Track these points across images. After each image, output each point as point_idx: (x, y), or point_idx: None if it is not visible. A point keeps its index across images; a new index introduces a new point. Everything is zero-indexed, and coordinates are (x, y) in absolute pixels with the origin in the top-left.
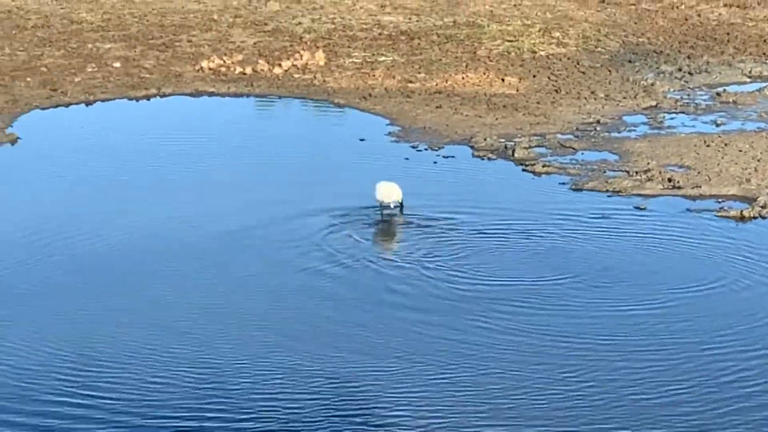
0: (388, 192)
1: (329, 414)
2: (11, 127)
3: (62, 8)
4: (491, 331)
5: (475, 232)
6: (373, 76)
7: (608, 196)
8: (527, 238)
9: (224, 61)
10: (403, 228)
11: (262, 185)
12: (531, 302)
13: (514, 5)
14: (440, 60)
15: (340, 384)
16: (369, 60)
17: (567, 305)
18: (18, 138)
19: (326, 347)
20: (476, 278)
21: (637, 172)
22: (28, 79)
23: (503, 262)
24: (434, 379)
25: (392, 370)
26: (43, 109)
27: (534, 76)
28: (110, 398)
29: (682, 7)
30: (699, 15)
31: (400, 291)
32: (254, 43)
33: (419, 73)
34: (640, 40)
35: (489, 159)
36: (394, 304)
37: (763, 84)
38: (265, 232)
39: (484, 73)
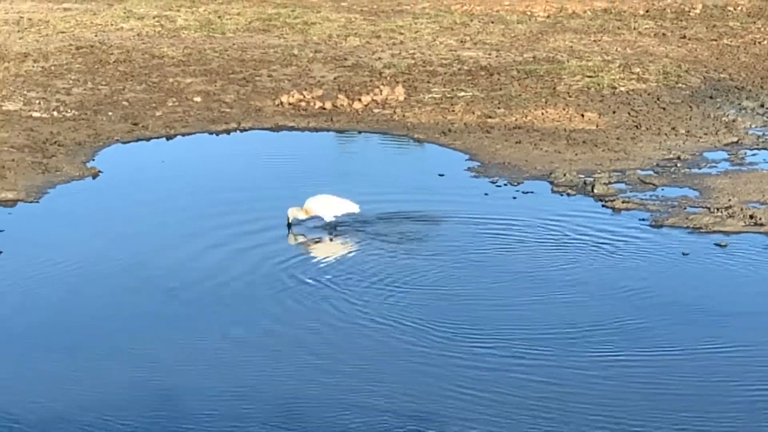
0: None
1: None
2: (93, 160)
3: (144, 43)
4: (587, 370)
5: (555, 269)
6: (453, 111)
7: (688, 233)
8: (608, 275)
9: (304, 96)
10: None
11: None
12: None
13: (594, 41)
14: (520, 95)
15: None
16: (448, 95)
17: (661, 346)
18: (99, 172)
19: None
20: (556, 317)
21: (718, 209)
22: (110, 113)
23: (586, 303)
24: None
25: None
26: (124, 143)
27: (614, 112)
28: None
29: (765, 42)
30: None
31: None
32: (334, 78)
33: (499, 108)
34: (722, 75)
35: (568, 194)
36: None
37: None
38: (360, 269)
39: (564, 109)
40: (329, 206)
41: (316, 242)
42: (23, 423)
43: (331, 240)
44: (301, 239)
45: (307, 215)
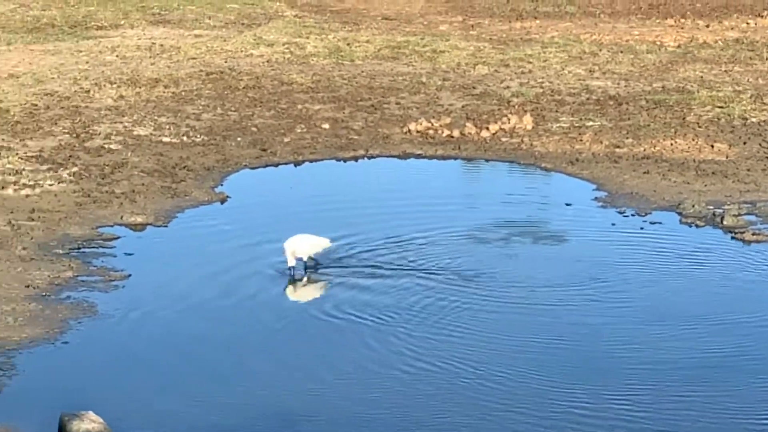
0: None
1: None
2: (221, 185)
3: (273, 70)
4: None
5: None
6: (581, 140)
7: None
8: (738, 313)
9: (432, 124)
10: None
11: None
12: None
13: (725, 71)
14: (648, 125)
15: None
16: (577, 124)
17: None
18: (228, 197)
19: None
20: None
21: None
22: (239, 138)
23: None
24: None
25: None
26: (253, 168)
27: (744, 143)
28: None
29: None
30: None
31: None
32: (462, 107)
33: (627, 138)
34: None
35: (697, 226)
36: None
37: None
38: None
39: (693, 139)
40: (303, 246)
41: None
42: None
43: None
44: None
45: (293, 256)
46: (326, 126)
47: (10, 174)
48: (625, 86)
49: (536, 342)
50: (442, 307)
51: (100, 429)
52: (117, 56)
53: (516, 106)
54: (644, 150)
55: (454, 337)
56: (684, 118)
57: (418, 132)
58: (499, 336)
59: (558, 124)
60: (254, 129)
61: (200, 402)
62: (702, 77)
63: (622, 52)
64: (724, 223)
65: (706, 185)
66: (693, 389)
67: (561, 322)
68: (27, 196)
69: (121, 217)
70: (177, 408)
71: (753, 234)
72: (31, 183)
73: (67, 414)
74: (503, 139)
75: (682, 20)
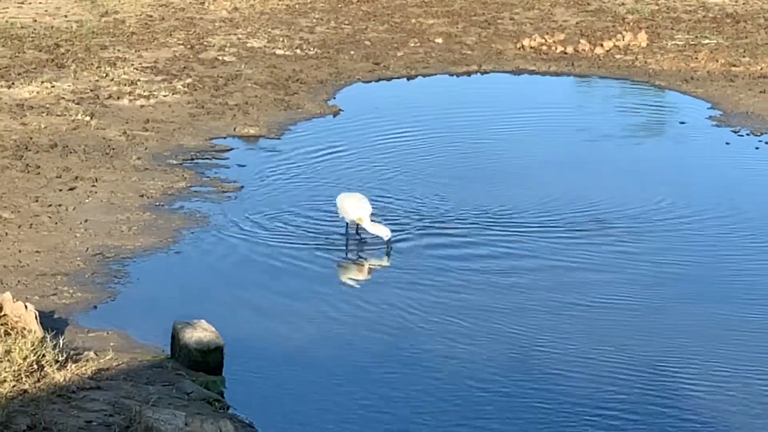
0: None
1: None
2: (334, 99)
3: None
4: None
5: None
6: (696, 58)
7: None
8: None
9: (545, 40)
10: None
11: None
12: None
13: None
14: (766, 44)
15: None
16: (692, 42)
17: None
18: (340, 110)
19: None
20: None
21: None
22: (352, 52)
23: None
24: None
25: None
26: (365, 82)
27: None
28: None
29: None
30: None
31: None
32: (576, 23)
33: (744, 56)
34: None
35: None
36: None
37: None
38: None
39: None
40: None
41: None
42: None
43: None
44: None
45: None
46: (439, 41)
47: (125, 84)
48: (743, 3)
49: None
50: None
51: (211, 338)
52: None
53: (631, 23)
54: (761, 69)
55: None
56: None
57: (531, 48)
58: None
59: (673, 42)
60: (367, 43)
61: (311, 312)
62: None
63: None
64: None
65: None
66: None
67: None
68: (142, 106)
69: (234, 129)
70: (287, 319)
71: None
72: (146, 94)
73: (179, 322)
74: (617, 56)
75: None
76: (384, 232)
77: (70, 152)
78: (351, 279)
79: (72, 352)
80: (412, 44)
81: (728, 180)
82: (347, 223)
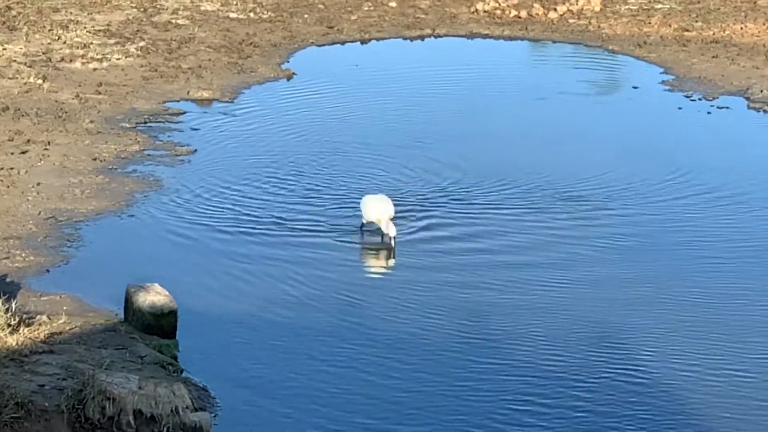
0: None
1: None
2: (287, 62)
3: None
4: None
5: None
6: (649, 23)
7: None
8: None
9: (499, 4)
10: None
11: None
12: None
13: None
14: (719, 9)
15: None
16: (645, 7)
17: None
18: (294, 74)
19: None
20: None
21: None
22: (306, 15)
23: None
24: None
25: None
26: (319, 45)
27: None
28: None
29: None
30: None
31: None
32: None
33: (696, 21)
34: None
35: (765, 111)
36: None
37: None
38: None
39: (764, 24)
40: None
41: None
42: None
43: None
44: None
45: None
46: (393, 4)
47: (78, 47)
48: None
49: None
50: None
51: (165, 301)
52: None
53: None
54: (713, 34)
55: None
56: (755, 2)
57: (485, 12)
58: None
59: (626, 6)
60: (321, 6)
61: (263, 276)
62: None
63: None
64: None
65: None
66: None
67: None
68: (94, 69)
69: (188, 92)
70: (240, 283)
71: None
72: (99, 57)
73: (133, 286)
74: (570, 21)
75: None
76: (393, 231)
77: (22, 115)
78: (304, 244)
79: (24, 316)
80: (366, 8)
81: (680, 146)
82: (363, 222)
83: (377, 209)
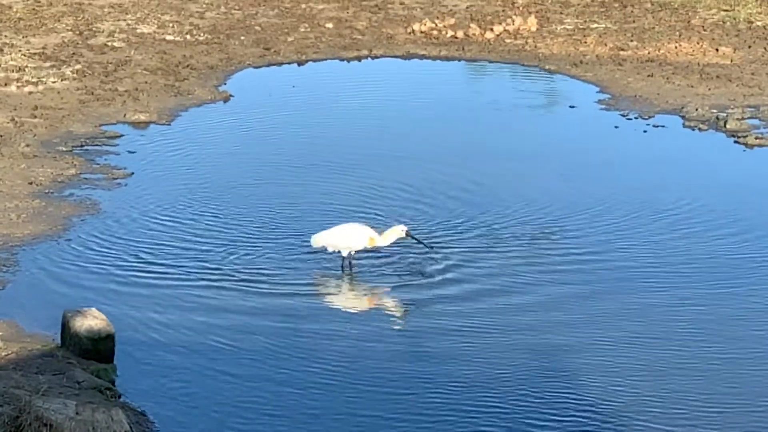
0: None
1: None
2: (224, 84)
3: None
4: None
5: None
6: (585, 43)
7: None
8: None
9: (436, 25)
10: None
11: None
12: None
13: None
14: (653, 28)
15: None
16: (581, 27)
17: None
18: (231, 96)
19: None
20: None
21: None
22: (242, 37)
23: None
24: None
25: None
26: (256, 67)
27: (749, 47)
28: None
29: None
30: None
31: None
32: (466, 7)
33: (631, 41)
34: None
35: (700, 130)
36: None
37: None
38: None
39: (698, 43)
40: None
41: None
42: None
43: None
44: None
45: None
46: (330, 25)
47: (13, 71)
48: None
49: None
50: None
51: (102, 325)
52: None
53: (520, 7)
54: (648, 53)
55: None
56: (689, 21)
57: (422, 32)
58: None
59: (562, 26)
60: (258, 28)
61: (201, 299)
62: None
63: None
64: (727, 126)
65: (709, 89)
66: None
67: None
68: (30, 93)
69: (124, 115)
70: (178, 307)
71: (756, 138)
72: (34, 80)
73: (70, 311)
74: (507, 41)
75: None
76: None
77: None
78: (243, 268)
79: None
80: (303, 29)
81: (618, 167)
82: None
83: (361, 236)
